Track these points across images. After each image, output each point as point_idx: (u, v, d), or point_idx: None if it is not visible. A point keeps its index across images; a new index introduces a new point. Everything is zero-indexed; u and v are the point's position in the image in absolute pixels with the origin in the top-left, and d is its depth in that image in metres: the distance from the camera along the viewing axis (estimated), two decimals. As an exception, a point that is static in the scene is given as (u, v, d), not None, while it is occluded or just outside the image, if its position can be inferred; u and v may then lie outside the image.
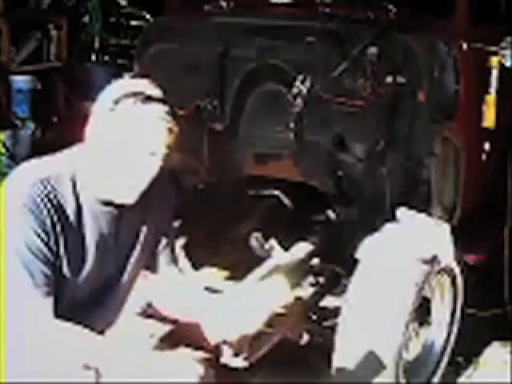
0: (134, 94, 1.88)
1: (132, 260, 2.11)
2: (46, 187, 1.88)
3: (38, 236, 1.85)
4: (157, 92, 1.92)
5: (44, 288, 1.86)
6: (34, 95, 5.62)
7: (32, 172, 1.91)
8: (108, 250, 2.02)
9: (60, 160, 1.98)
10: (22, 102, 5.54)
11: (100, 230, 1.99)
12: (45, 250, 1.86)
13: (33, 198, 1.85)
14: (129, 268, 2.11)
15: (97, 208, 1.97)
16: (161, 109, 1.90)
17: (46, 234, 1.87)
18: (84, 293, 2.00)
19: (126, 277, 2.11)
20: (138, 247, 2.11)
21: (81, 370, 1.91)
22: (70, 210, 1.92)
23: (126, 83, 1.93)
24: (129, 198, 1.97)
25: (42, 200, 1.86)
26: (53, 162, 1.97)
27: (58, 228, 1.89)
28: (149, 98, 1.89)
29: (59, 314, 1.89)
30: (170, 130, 1.92)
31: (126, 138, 1.88)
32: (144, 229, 2.11)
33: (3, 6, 5.52)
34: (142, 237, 2.11)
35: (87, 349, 1.91)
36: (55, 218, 1.88)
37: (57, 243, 1.89)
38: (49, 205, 1.87)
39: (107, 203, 1.98)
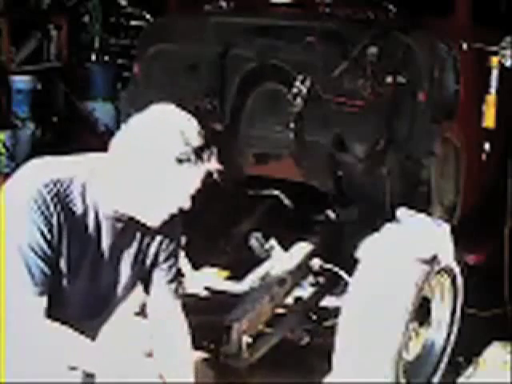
0: (196, 153, 1.89)
1: (129, 276, 2.10)
2: (57, 189, 1.88)
3: (43, 235, 1.85)
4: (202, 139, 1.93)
5: (41, 287, 1.86)
6: (34, 95, 5.62)
7: (45, 171, 1.91)
8: (106, 261, 2.02)
9: (75, 163, 1.97)
10: (22, 102, 5.54)
11: (102, 239, 1.99)
12: (47, 248, 1.86)
13: (43, 198, 1.86)
14: (124, 282, 2.10)
15: (102, 219, 1.97)
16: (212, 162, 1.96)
17: (51, 233, 1.87)
18: (77, 301, 1.99)
19: (120, 291, 2.10)
20: (137, 264, 2.10)
21: (67, 371, 1.92)
22: (78, 215, 1.93)
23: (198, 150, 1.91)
24: (155, 221, 2.00)
25: (52, 200, 1.87)
26: (67, 164, 1.97)
27: (64, 230, 1.89)
28: (204, 157, 1.92)
29: (52, 313, 1.89)
30: None
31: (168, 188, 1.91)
32: (145, 246, 2.10)
33: (3, 6, 5.52)
34: (142, 254, 2.10)
35: (86, 348, 1.91)
36: (62, 220, 1.88)
37: (60, 244, 1.89)
38: (58, 206, 1.88)
39: (117, 217, 1.98)
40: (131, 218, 1.99)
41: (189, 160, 1.87)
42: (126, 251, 2.06)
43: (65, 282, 1.94)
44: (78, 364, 1.92)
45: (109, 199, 1.95)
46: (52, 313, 1.90)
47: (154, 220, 1.99)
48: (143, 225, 2.01)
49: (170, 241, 2.14)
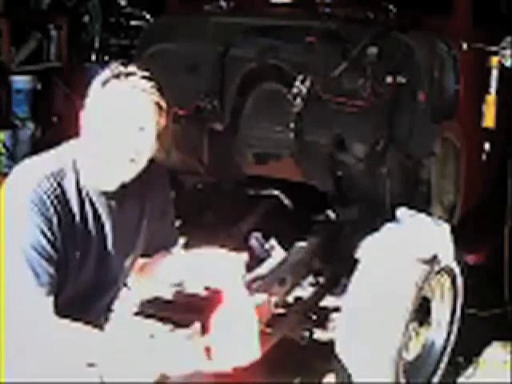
0: (120, 74, 1.90)
1: (131, 253, 2.11)
2: (51, 184, 1.88)
3: (44, 235, 1.85)
4: (143, 72, 1.93)
5: (47, 287, 1.86)
6: (34, 95, 5.61)
7: (36, 168, 1.91)
8: (108, 244, 2.02)
9: (61, 154, 1.98)
10: (22, 102, 5.54)
11: (100, 223, 1.99)
12: (50, 248, 1.86)
13: (39, 196, 1.85)
14: (127, 261, 2.11)
15: (96, 200, 1.98)
16: (145, 83, 1.91)
17: (52, 232, 1.86)
18: (84, 287, 2.00)
19: (124, 270, 2.11)
20: (137, 239, 2.12)
21: (82, 369, 1.92)
22: (74, 205, 1.93)
23: (114, 68, 1.94)
24: (121, 177, 1.97)
25: (49, 197, 1.86)
26: (55, 156, 1.97)
27: (64, 225, 1.89)
28: (132, 74, 1.90)
29: (59, 309, 1.89)
30: (159, 106, 1.93)
31: (115, 115, 1.89)
32: (144, 222, 2.11)
33: (3, 6, 5.52)
34: (140, 229, 2.12)
35: (88, 349, 1.91)
36: (61, 215, 1.89)
37: (62, 241, 1.89)
38: (55, 202, 1.87)
39: (106, 194, 1.99)
40: (121, 193, 1.99)
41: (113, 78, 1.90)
42: (128, 228, 2.07)
43: (72, 273, 1.94)
44: (94, 360, 1.92)
45: (95, 177, 1.96)
46: (59, 305, 1.90)
47: (120, 176, 1.97)
48: (136, 197, 2.02)
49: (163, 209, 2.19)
